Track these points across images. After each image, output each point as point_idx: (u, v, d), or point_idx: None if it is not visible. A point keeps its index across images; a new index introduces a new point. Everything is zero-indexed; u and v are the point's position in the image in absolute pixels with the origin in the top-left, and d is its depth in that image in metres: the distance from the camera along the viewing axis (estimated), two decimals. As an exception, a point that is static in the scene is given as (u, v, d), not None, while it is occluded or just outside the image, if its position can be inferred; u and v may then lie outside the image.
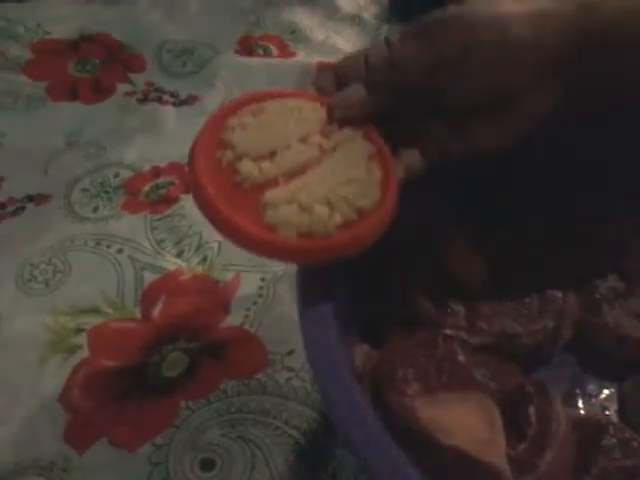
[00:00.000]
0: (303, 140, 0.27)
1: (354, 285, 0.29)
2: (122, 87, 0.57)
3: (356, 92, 0.27)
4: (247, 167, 0.25)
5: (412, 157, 0.28)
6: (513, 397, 0.26)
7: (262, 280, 0.41)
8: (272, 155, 0.26)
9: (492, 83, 0.27)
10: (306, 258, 0.25)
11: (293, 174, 0.26)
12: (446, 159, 0.29)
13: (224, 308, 0.40)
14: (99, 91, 0.56)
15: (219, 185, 0.24)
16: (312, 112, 0.28)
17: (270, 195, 0.24)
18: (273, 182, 0.25)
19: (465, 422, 0.24)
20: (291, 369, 0.37)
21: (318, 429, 0.34)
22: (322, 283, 0.26)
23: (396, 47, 0.28)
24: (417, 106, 0.28)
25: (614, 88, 0.28)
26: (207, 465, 0.33)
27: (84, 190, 0.48)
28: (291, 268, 0.42)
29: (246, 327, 0.39)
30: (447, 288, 0.31)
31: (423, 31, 0.27)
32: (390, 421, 0.23)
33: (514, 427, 0.25)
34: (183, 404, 0.36)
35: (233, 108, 0.27)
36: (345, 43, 0.62)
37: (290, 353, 0.38)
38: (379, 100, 0.27)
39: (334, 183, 0.25)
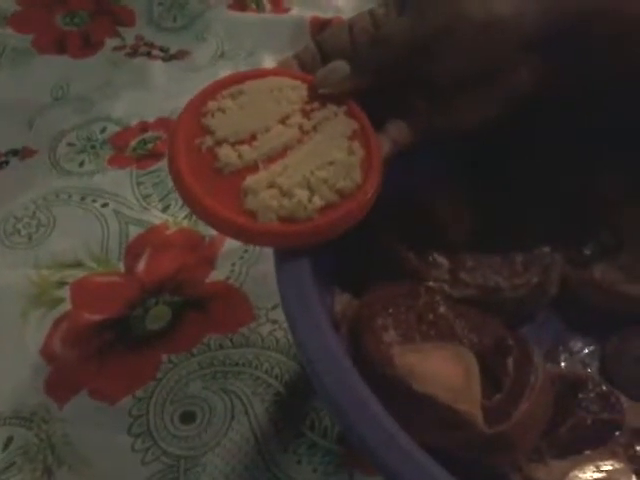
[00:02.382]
0: (283, 121, 0.26)
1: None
2: (111, 41, 0.55)
3: (340, 68, 0.27)
4: (226, 153, 0.25)
5: (399, 130, 0.28)
6: (493, 349, 0.26)
7: (248, 235, 0.41)
8: (252, 139, 0.26)
9: (475, 60, 0.26)
10: (288, 242, 0.24)
11: (273, 158, 0.25)
12: (431, 134, 0.28)
13: (209, 263, 0.39)
14: (88, 45, 0.55)
15: (198, 172, 0.24)
16: (293, 90, 0.27)
17: (250, 181, 0.24)
18: (253, 167, 0.25)
19: (441, 371, 0.24)
20: (275, 321, 0.36)
21: (298, 380, 0.33)
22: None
23: (381, 22, 0.28)
24: (401, 80, 0.28)
25: (593, 67, 0.28)
26: (188, 418, 0.33)
27: (70, 144, 0.47)
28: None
29: (231, 282, 0.39)
30: (431, 240, 0.31)
31: (408, 5, 0.26)
32: (366, 368, 0.23)
33: (492, 379, 0.24)
34: (165, 357, 0.35)
35: (212, 91, 0.27)
36: (341, -2, 0.60)
37: (275, 307, 0.37)
38: (364, 77, 0.27)
39: (314, 166, 0.25)
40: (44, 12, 0.56)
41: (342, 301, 0.27)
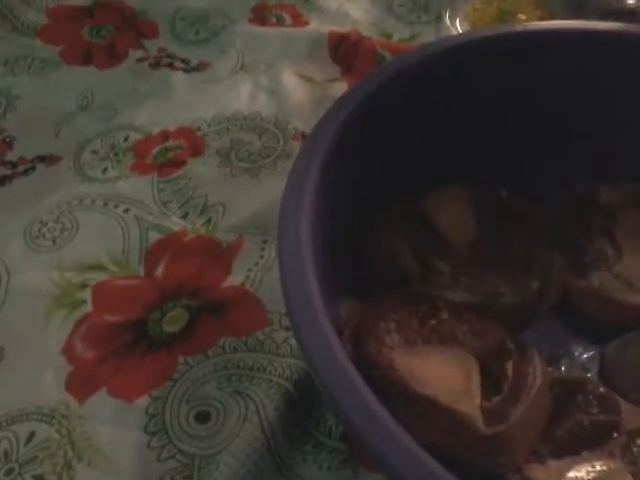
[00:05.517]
0: None
1: (342, 242, 0.29)
2: (135, 53, 0.57)
3: None
4: None
5: None
6: (493, 353, 0.27)
7: (264, 242, 0.42)
8: None
9: None
10: None
11: None
12: None
13: (226, 268, 0.41)
14: (112, 56, 0.56)
15: None
16: None
17: None
18: None
19: (441, 373, 0.25)
20: (288, 328, 0.37)
21: (306, 379, 0.34)
22: (304, 239, 0.26)
23: None
24: None
25: None
26: (202, 418, 0.34)
27: (94, 152, 0.48)
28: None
29: (246, 287, 0.40)
30: (433, 246, 0.31)
31: None
32: (368, 371, 0.24)
33: (492, 382, 0.25)
34: (182, 359, 0.36)
35: None
36: (358, 12, 0.61)
37: (288, 313, 0.38)
38: None
39: None
40: (72, 25, 0.58)
41: (346, 306, 0.28)
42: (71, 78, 0.54)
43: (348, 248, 0.33)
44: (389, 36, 0.59)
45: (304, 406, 0.34)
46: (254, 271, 0.40)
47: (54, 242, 0.42)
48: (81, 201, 0.45)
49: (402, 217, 0.33)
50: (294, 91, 0.53)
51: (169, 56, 0.57)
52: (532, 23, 0.47)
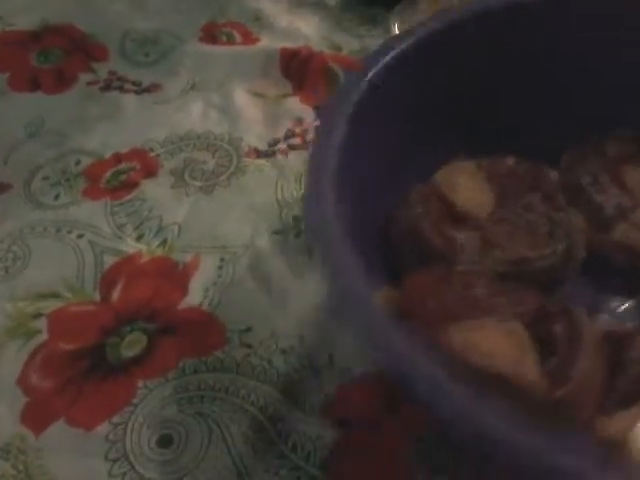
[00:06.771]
0: None
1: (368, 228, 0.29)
2: (84, 76, 0.56)
3: None
4: None
5: None
6: (537, 318, 0.26)
7: (221, 260, 0.42)
8: None
9: None
10: None
11: None
12: None
13: (183, 289, 0.40)
14: (61, 81, 0.56)
15: None
16: None
17: None
18: None
19: (495, 345, 0.24)
20: (248, 346, 0.37)
21: (277, 404, 0.34)
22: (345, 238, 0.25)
23: None
24: None
25: None
26: (164, 442, 0.34)
27: (45, 178, 0.48)
28: (250, 249, 0.42)
29: (204, 307, 0.39)
30: (454, 221, 0.31)
31: None
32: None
33: (542, 346, 0.25)
34: (141, 383, 0.36)
35: None
36: (308, 28, 0.62)
37: (247, 330, 0.38)
38: None
39: None
40: (19, 51, 0.57)
41: (383, 295, 0.27)
42: (19, 105, 0.53)
43: (374, 234, 0.32)
44: (339, 48, 0.60)
45: (276, 430, 0.33)
46: (212, 290, 0.40)
47: (6, 272, 0.41)
48: (33, 229, 0.44)
49: (419, 196, 0.32)
50: (246, 108, 0.53)
51: (120, 79, 0.56)
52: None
